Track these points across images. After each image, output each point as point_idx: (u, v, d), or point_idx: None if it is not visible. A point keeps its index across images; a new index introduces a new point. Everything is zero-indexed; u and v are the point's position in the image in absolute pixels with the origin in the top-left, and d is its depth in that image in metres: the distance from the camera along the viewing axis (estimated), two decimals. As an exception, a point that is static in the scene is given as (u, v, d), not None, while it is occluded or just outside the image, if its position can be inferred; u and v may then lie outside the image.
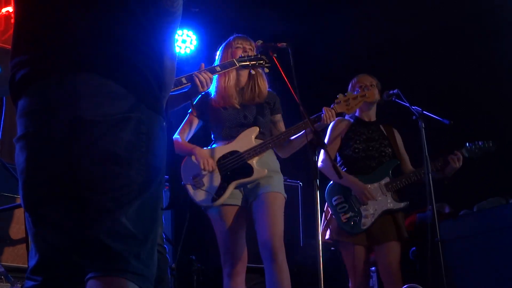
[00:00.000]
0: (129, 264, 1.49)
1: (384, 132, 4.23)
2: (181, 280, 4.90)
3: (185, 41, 5.77)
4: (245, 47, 3.61)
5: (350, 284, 4.00)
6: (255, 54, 3.49)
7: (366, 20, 5.81)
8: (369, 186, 4.00)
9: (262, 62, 3.44)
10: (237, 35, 3.69)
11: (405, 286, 3.84)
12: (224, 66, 3.39)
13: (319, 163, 4.01)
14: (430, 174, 3.84)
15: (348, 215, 3.94)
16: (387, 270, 3.94)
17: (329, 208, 4.04)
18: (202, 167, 3.44)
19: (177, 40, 5.75)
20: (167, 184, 5.30)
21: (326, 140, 4.18)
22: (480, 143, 4.16)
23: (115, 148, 1.50)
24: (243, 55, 3.47)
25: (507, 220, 4.24)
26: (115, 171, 1.51)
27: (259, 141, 3.52)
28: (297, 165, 4.66)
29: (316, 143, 3.18)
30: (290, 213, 4.72)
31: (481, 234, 4.38)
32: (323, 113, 3.52)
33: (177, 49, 5.73)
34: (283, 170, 3.64)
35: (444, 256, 3.71)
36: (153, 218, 1.58)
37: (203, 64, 3.28)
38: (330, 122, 3.55)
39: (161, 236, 3.10)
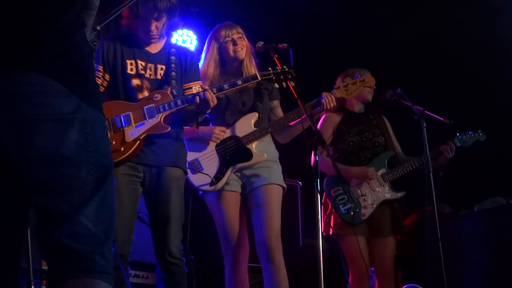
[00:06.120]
0: (96, 264, 1.49)
1: (374, 121, 4.25)
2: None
3: (185, 41, 5.74)
4: (233, 38, 3.51)
5: (349, 278, 3.99)
6: (281, 68, 3.36)
7: (367, 20, 5.81)
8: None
9: (288, 75, 3.33)
10: (220, 25, 3.58)
11: (405, 286, 3.85)
12: (246, 80, 3.34)
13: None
14: (431, 174, 3.85)
15: (348, 206, 3.97)
16: (381, 264, 4.00)
17: (328, 200, 4.05)
18: (214, 138, 3.41)
19: (177, 40, 5.74)
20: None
21: None
22: (469, 132, 4.23)
23: (62, 149, 1.49)
24: (270, 69, 3.36)
25: (507, 220, 4.25)
26: (65, 174, 1.50)
27: (258, 127, 3.49)
28: (297, 165, 4.65)
29: (316, 142, 3.18)
30: (290, 212, 4.71)
31: (481, 234, 4.39)
32: (322, 98, 3.49)
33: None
34: (283, 170, 3.62)
35: (444, 256, 3.71)
36: (111, 216, 1.58)
37: (204, 86, 3.24)
38: (330, 107, 3.51)
39: (180, 249, 3.11)
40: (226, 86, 3.26)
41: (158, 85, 3.20)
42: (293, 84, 3.36)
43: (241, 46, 3.51)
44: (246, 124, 3.50)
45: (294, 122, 3.53)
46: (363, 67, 4.01)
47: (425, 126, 3.97)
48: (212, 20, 5.79)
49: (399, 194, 4.06)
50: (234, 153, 3.45)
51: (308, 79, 4.32)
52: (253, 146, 3.46)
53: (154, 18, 3.12)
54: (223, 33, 3.53)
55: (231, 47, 3.51)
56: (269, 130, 3.50)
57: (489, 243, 4.33)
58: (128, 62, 3.15)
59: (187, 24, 5.78)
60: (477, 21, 5.31)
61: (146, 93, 3.15)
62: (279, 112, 3.65)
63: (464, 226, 4.57)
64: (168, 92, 3.16)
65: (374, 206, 3.98)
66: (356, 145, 4.12)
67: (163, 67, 3.23)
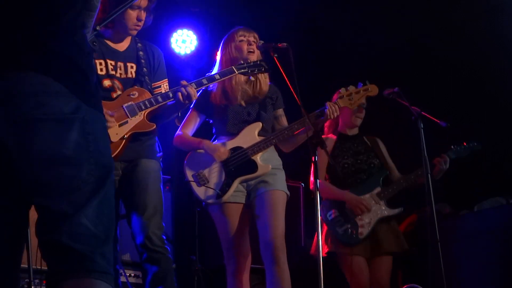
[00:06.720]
0: (96, 264, 1.50)
1: (369, 143, 4.25)
2: (181, 281, 4.89)
3: (185, 41, 5.75)
4: (249, 40, 3.56)
5: None
6: (254, 60, 3.45)
7: (367, 20, 5.81)
8: (362, 197, 4.02)
9: (262, 68, 3.42)
10: (239, 27, 3.64)
11: (405, 286, 3.85)
12: (224, 74, 3.37)
13: (311, 185, 4.02)
14: (429, 174, 3.85)
15: (344, 227, 3.96)
16: (378, 282, 4.00)
17: (324, 224, 4.04)
18: (217, 157, 3.43)
19: (177, 40, 5.74)
20: (169, 184, 5.29)
21: None
22: (464, 144, 4.23)
23: (62, 149, 1.50)
24: (242, 62, 3.43)
25: (507, 220, 4.25)
26: (66, 174, 1.50)
27: (262, 137, 3.51)
28: (299, 166, 4.66)
29: (316, 143, 3.18)
30: (292, 213, 4.71)
31: (481, 234, 4.39)
32: (326, 108, 3.51)
33: (177, 49, 5.73)
34: (285, 171, 3.63)
35: (444, 256, 3.71)
36: (111, 216, 1.59)
37: (184, 82, 3.24)
38: (334, 117, 3.54)
39: (162, 239, 3.11)
40: (204, 81, 3.30)
41: (129, 84, 3.20)
42: (266, 76, 3.46)
43: (253, 49, 3.55)
44: (250, 135, 3.52)
45: (297, 131, 3.54)
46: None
47: (422, 127, 3.96)
48: (212, 20, 5.83)
49: (396, 210, 4.05)
50: (239, 165, 3.46)
51: (308, 79, 4.32)
52: (258, 157, 3.48)
53: (144, 9, 3.15)
54: (240, 33, 3.58)
55: (245, 47, 3.54)
56: (274, 141, 3.52)
57: (489, 243, 4.33)
58: (97, 62, 3.15)
59: (187, 24, 5.78)
60: (477, 21, 5.30)
61: (119, 93, 3.15)
62: (283, 121, 3.68)
63: (464, 226, 4.57)
64: None
65: (372, 225, 3.97)
66: (351, 167, 4.12)
67: (133, 65, 3.24)
